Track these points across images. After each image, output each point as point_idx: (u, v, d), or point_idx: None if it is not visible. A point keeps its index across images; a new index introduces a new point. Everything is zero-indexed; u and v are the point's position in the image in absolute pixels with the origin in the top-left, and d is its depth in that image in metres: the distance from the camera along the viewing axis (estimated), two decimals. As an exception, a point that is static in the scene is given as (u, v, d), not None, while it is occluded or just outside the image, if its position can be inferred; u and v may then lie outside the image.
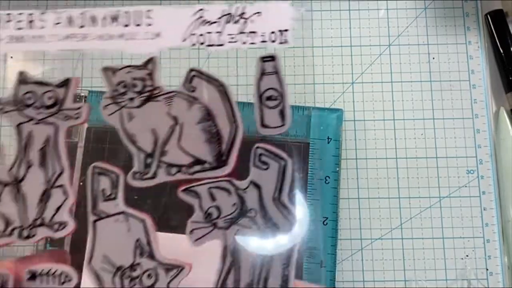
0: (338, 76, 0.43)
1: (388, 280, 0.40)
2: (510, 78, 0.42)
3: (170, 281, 0.28)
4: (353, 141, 0.42)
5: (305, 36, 0.43)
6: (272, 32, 0.29)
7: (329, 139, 0.40)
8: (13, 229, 0.29)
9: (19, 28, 0.30)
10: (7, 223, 0.29)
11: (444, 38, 0.43)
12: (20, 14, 0.30)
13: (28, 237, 0.29)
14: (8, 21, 0.30)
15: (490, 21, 0.43)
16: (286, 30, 0.29)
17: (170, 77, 0.37)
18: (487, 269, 0.40)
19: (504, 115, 0.42)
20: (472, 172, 0.42)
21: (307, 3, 0.44)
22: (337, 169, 0.40)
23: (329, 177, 0.40)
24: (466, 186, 0.41)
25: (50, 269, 0.29)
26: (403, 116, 0.42)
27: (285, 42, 0.29)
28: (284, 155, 0.29)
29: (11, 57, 0.43)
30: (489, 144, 0.42)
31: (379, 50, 0.43)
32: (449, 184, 0.41)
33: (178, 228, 0.30)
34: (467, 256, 0.40)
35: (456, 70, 0.43)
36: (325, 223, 0.39)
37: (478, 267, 0.40)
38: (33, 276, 0.29)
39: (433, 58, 0.43)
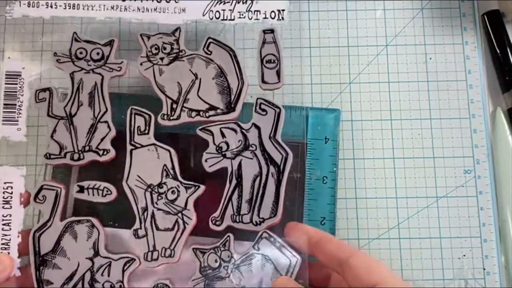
0: (336, 76, 0.43)
1: (386, 279, 0.40)
2: (507, 78, 0.42)
3: (189, 196, 0.37)
4: (350, 141, 0.42)
5: (302, 36, 0.43)
6: (272, 11, 0.38)
7: (327, 139, 0.40)
8: (66, 153, 0.37)
9: None
10: (61, 148, 0.37)
11: (441, 38, 0.44)
12: None
13: (78, 159, 0.37)
14: None
15: (487, 21, 0.44)
16: (283, 10, 0.38)
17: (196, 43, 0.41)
18: (484, 269, 0.40)
19: (501, 115, 0.42)
20: (469, 172, 0.42)
21: (314, 21, 0.44)
22: (335, 169, 0.40)
23: (326, 177, 0.40)
24: (463, 186, 0.41)
25: (95, 184, 0.37)
26: (400, 116, 0.42)
27: (282, 19, 0.38)
28: (279, 105, 0.37)
29: (9, 57, 0.44)
30: (486, 144, 0.42)
31: (376, 50, 0.43)
32: (446, 184, 0.41)
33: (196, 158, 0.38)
34: (464, 255, 0.40)
35: (453, 70, 0.43)
36: (322, 223, 0.39)
37: (476, 266, 0.40)
38: (81, 190, 0.37)
39: (430, 58, 0.43)
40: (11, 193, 0.37)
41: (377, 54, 0.43)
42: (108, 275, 0.36)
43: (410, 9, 0.44)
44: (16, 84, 0.38)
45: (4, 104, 0.37)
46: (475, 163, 0.42)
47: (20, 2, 0.38)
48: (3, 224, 0.36)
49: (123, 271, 0.36)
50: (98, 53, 0.38)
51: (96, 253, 0.36)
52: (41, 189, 0.37)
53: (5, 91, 0.37)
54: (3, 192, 0.36)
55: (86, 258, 0.36)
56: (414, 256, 0.40)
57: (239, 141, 0.37)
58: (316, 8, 0.44)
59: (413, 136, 0.42)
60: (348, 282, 0.32)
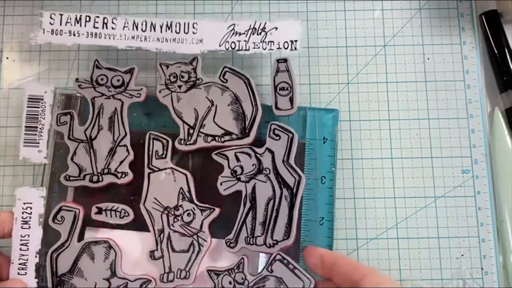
0: (334, 77, 0.43)
1: (384, 279, 0.40)
2: (505, 78, 0.42)
3: (204, 218, 0.37)
4: (348, 141, 0.42)
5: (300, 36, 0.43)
6: (285, 42, 0.39)
7: (325, 139, 0.40)
8: (85, 175, 0.38)
9: (96, 27, 0.39)
10: (80, 170, 0.38)
11: (439, 39, 0.44)
12: (97, 17, 0.39)
13: (97, 181, 0.38)
14: (88, 21, 0.39)
15: (484, 21, 0.44)
16: (296, 41, 0.39)
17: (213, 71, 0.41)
18: (482, 269, 0.40)
19: (498, 115, 0.42)
20: (467, 172, 0.42)
21: (312, 21, 0.44)
22: (333, 169, 0.40)
23: (325, 177, 0.40)
24: (461, 186, 0.41)
25: (113, 206, 0.38)
26: (398, 116, 0.42)
27: (295, 49, 0.39)
28: (292, 130, 0.38)
29: (7, 58, 0.44)
30: (484, 144, 0.42)
31: (374, 50, 0.44)
32: (444, 184, 0.41)
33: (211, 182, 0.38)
34: (462, 255, 0.41)
35: (451, 70, 0.43)
36: (321, 223, 0.39)
37: (473, 266, 0.40)
38: (99, 211, 0.38)
39: (428, 59, 0.43)
40: (30, 213, 0.37)
41: (375, 54, 0.43)
42: None
43: (408, 9, 0.44)
44: (38, 107, 0.39)
45: (26, 127, 0.38)
46: (473, 163, 0.42)
47: (44, 29, 0.39)
48: (21, 244, 0.37)
49: None
50: (118, 80, 0.39)
51: (113, 274, 0.37)
52: (59, 210, 0.37)
53: (27, 114, 0.38)
54: (22, 213, 0.37)
55: (103, 278, 0.37)
56: (412, 256, 0.40)
57: (253, 165, 0.38)
58: (314, 8, 0.44)
59: (411, 136, 0.42)
60: None
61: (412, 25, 0.44)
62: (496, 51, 0.43)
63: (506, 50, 0.43)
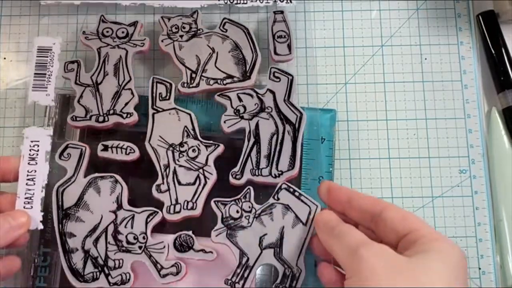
0: (331, 77, 0.43)
1: (382, 279, 0.40)
2: (502, 78, 0.43)
3: (209, 154, 0.38)
4: (346, 141, 0.42)
5: (298, 37, 0.43)
6: None
7: (323, 139, 0.40)
8: (91, 116, 0.39)
9: None
10: (86, 112, 0.39)
11: (436, 39, 0.44)
12: None
13: (103, 121, 0.39)
14: None
15: (482, 21, 0.44)
16: None
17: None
18: (479, 268, 0.40)
19: (496, 115, 0.42)
20: (464, 172, 0.42)
21: (309, 22, 0.44)
22: (331, 169, 0.40)
23: (322, 177, 0.40)
24: (458, 186, 0.42)
25: (119, 144, 0.38)
26: (396, 116, 0.42)
27: (290, 1, 0.42)
28: (290, 73, 0.40)
29: (4, 58, 0.44)
30: (481, 144, 0.42)
31: (371, 50, 0.44)
32: (442, 184, 0.42)
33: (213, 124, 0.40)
34: (459, 255, 0.41)
35: (448, 70, 0.43)
36: (318, 223, 0.39)
37: (471, 266, 0.40)
38: (105, 149, 0.38)
39: (426, 59, 0.43)
40: (37, 150, 0.38)
41: (372, 55, 0.44)
42: (132, 227, 0.37)
43: (405, 10, 0.44)
44: (47, 57, 0.40)
45: (35, 74, 0.40)
46: (470, 163, 0.42)
47: None
48: (28, 179, 0.37)
49: (146, 223, 0.37)
50: (123, 32, 0.41)
51: (119, 207, 0.37)
52: (66, 147, 0.38)
53: (36, 63, 0.40)
54: (30, 150, 0.38)
55: (110, 211, 0.37)
56: (410, 256, 0.40)
57: (255, 104, 0.39)
58: (312, 8, 0.44)
59: (408, 136, 0.42)
60: (381, 235, 0.33)
61: (409, 25, 0.44)
62: (493, 51, 0.43)
63: (503, 50, 0.43)
